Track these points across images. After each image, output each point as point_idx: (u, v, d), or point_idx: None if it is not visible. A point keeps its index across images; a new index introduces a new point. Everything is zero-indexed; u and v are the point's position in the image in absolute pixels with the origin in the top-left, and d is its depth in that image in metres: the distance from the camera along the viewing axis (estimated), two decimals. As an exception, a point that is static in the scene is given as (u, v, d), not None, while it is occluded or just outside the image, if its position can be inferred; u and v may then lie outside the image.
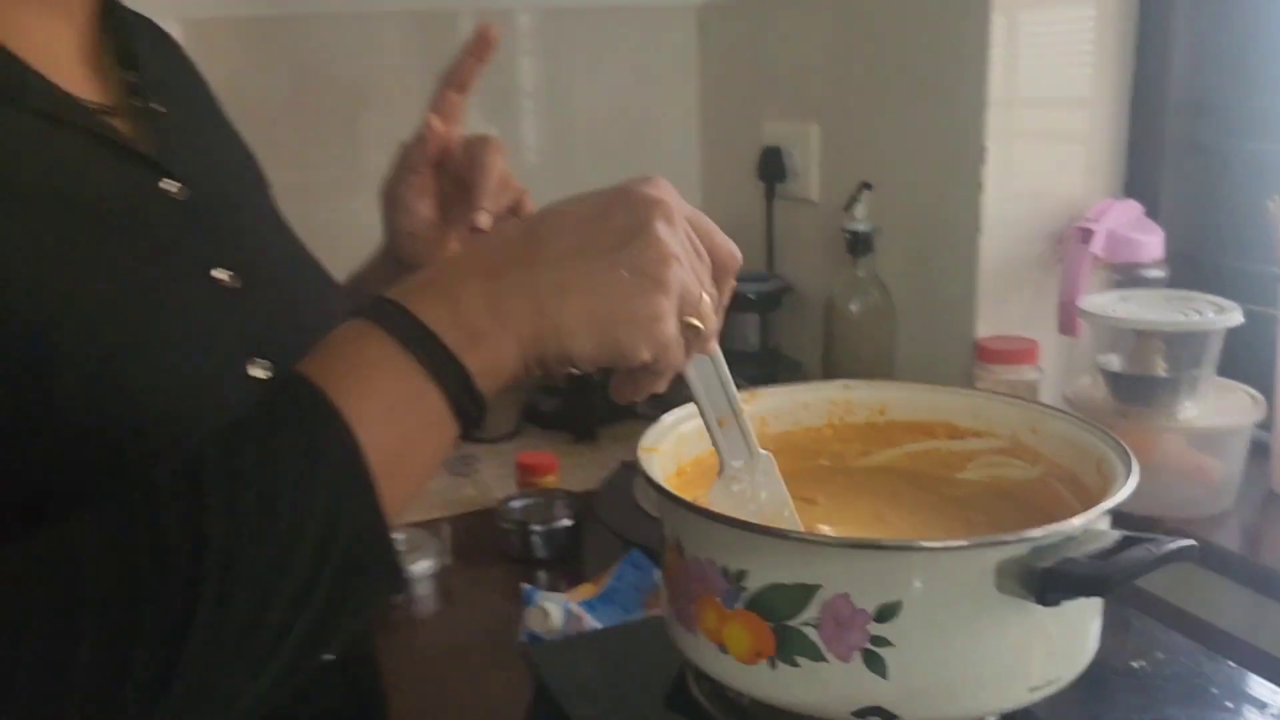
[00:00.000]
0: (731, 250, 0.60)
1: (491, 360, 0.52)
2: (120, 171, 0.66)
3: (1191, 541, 0.60)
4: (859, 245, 1.38)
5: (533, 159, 1.76)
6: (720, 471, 0.70)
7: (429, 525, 1.26)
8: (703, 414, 0.68)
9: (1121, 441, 0.74)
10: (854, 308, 1.40)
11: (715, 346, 0.65)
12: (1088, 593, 0.61)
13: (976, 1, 1.25)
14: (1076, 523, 0.63)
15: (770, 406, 0.87)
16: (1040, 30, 1.29)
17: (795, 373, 1.62)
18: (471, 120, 1.65)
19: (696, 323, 0.57)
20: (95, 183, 0.64)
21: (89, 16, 0.70)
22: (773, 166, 1.62)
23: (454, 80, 0.82)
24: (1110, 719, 0.73)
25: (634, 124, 1.79)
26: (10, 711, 0.43)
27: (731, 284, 0.62)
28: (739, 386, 0.71)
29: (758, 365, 1.61)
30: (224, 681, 0.46)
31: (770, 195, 1.64)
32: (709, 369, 0.67)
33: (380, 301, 0.52)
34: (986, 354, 1.26)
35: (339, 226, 1.62)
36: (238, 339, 0.67)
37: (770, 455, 0.71)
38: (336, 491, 0.48)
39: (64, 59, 0.67)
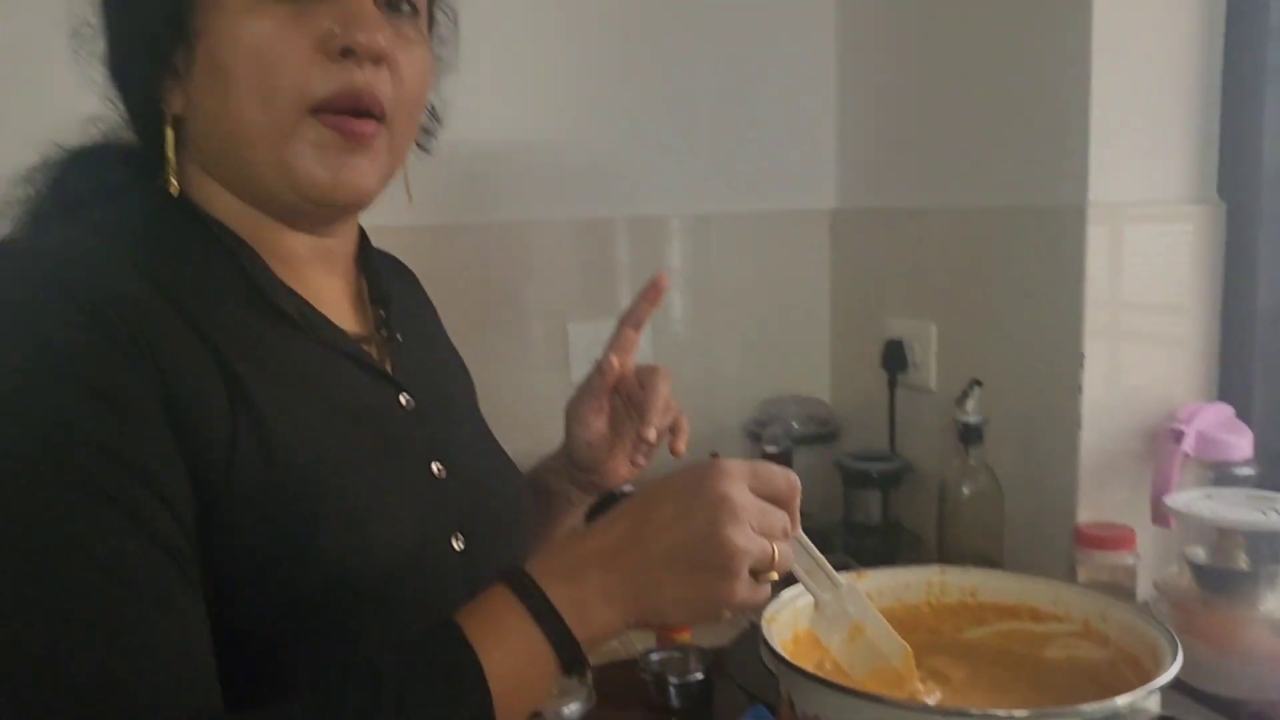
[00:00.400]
0: (791, 483, 0.78)
1: (599, 633, 0.73)
2: (371, 386, 0.87)
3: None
4: (970, 435, 1.52)
5: (680, 333, 1.95)
6: (815, 607, 0.89)
7: (577, 673, 1.42)
8: (796, 572, 0.87)
9: (1171, 631, 0.87)
10: (965, 491, 1.53)
11: (798, 531, 0.82)
12: (1122, 760, 0.74)
13: (1074, 222, 1.42)
14: (1121, 701, 0.76)
15: (875, 585, 1.02)
16: (1140, 242, 1.44)
17: (914, 546, 1.74)
18: (626, 294, 1.87)
19: (769, 575, 0.76)
20: (354, 394, 0.85)
21: (352, 266, 0.93)
22: (895, 358, 1.78)
23: (631, 320, 1.03)
24: None
25: (771, 313, 1.97)
26: None
27: (797, 503, 0.79)
28: (861, 562, 0.88)
29: (880, 538, 1.74)
30: None
31: (892, 383, 1.80)
32: (796, 545, 0.85)
33: (524, 577, 0.71)
34: (1086, 539, 1.38)
35: (509, 402, 1.85)
36: (444, 518, 0.86)
37: (853, 581, 0.89)
38: None
39: (336, 301, 0.89)
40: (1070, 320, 1.43)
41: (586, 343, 1.88)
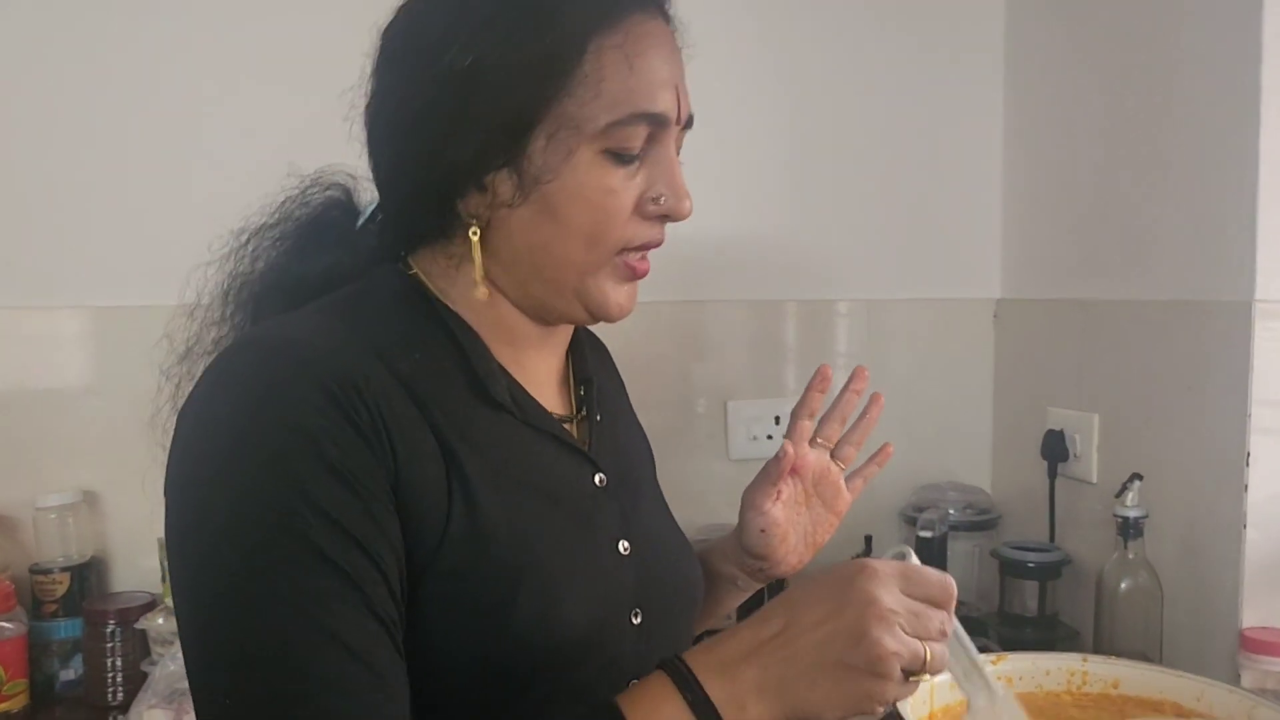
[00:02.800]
0: (945, 585, 0.77)
1: None
2: (570, 465, 0.92)
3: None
4: (1129, 529, 1.50)
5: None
6: (969, 708, 0.89)
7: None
8: (951, 670, 0.87)
9: (1317, 734, 0.86)
10: (1123, 586, 1.51)
11: (956, 625, 0.83)
12: None
13: (1239, 318, 1.40)
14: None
15: (1015, 669, 1.03)
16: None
17: (1072, 640, 1.71)
18: (790, 383, 1.91)
19: (923, 676, 0.76)
20: (554, 474, 0.90)
21: (563, 349, 0.99)
22: (1055, 448, 1.77)
23: (804, 410, 1.07)
24: None
25: (933, 399, 1.99)
26: None
27: (953, 605, 0.78)
28: (985, 648, 0.89)
29: (1036, 629, 1.72)
30: None
31: (1053, 474, 1.78)
32: (954, 643, 0.86)
33: (683, 669, 0.74)
34: (1251, 644, 1.34)
35: (671, 475, 1.91)
36: (627, 594, 0.90)
37: (1008, 687, 0.89)
38: None
39: (545, 381, 0.95)
40: (1236, 417, 1.41)
41: (745, 419, 1.93)
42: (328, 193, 0.95)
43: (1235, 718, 0.95)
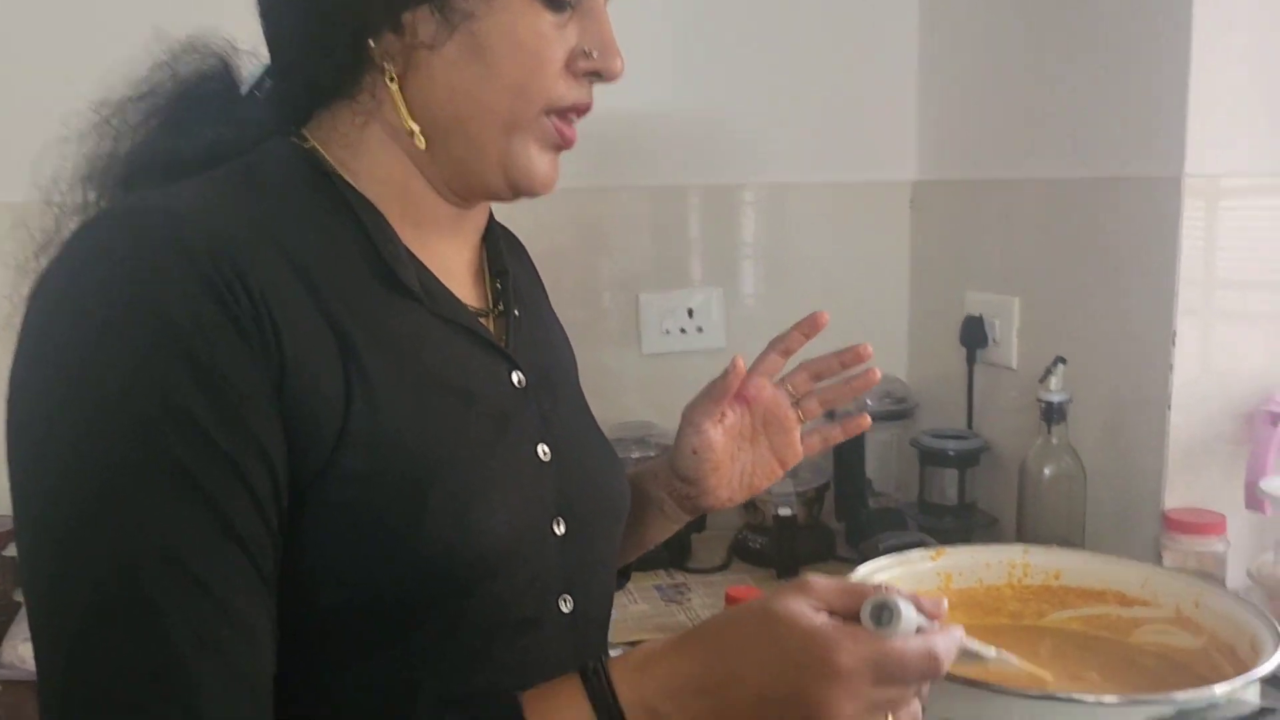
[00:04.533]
0: (929, 668, 0.66)
1: None
2: (486, 363, 0.83)
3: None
4: (1053, 414, 1.47)
5: (750, 307, 1.92)
6: None
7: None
8: None
9: (1271, 617, 0.82)
10: (1047, 472, 1.49)
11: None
12: (1221, 752, 0.70)
13: (1169, 195, 1.36)
14: (1219, 690, 0.73)
15: (956, 564, 0.99)
16: (1237, 215, 1.38)
17: (991, 528, 1.70)
18: (697, 273, 1.85)
19: None
20: (468, 371, 0.81)
21: (478, 237, 0.90)
22: (974, 334, 1.73)
23: (778, 344, 0.99)
24: None
25: (847, 287, 1.93)
26: None
27: (940, 674, 0.67)
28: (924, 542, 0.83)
29: (955, 518, 1.70)
30: None
31: (971, 360, 1.75)
32: None
33: (607, 697, 0.67)
34: (1174, 525, 1.33)
35: (610, 372, 1.84)
36: (548, 502, 0.83)
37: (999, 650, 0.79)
38: None
39: (458, 272, 0.86)
40: (1163, 296, 1.38)
41: (656, 312, 1.86)
42: (203, 62, 0.83)
43: (1180, 604, 0.92)
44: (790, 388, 1.00)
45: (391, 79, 0.76)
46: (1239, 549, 1.34)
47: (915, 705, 0.67)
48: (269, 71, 0.83)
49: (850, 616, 0.65)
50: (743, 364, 0.95)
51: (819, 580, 0.68)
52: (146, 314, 0.64)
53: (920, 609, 0.65)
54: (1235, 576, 1.33)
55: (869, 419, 1.01)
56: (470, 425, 0.78)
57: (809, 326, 0.98)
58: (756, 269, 1.91)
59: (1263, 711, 0.71)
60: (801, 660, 0.65)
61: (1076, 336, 1.54)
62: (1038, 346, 1.62)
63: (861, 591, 0.66)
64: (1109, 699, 0.72)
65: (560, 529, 0.82)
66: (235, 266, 0.67)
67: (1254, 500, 1.31)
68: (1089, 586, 0.97)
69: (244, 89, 0.84)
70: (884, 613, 0.64)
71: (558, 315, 1.02)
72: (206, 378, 0.64)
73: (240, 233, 0.69)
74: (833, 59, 1.89)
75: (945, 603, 0.68)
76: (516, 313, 0.88)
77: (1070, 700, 0.73)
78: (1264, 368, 1.40)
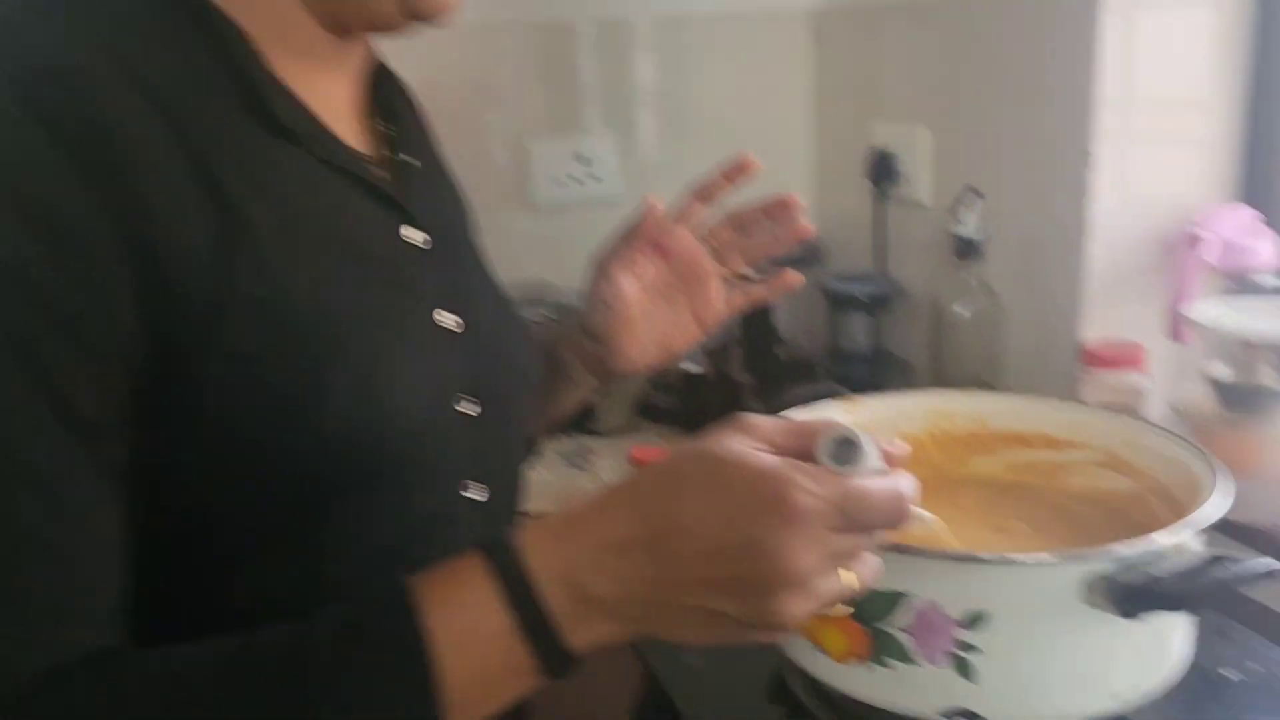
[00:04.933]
0: (894, 511, 0.56)
1: (597, 641, 0.57)
2: (379, 217, 0.71)
3: (1275, 565, 0.63)
4: (967, 251, 1.39)
5: (649, 155, 1.80)
6: None
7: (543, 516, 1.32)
8: None
9: (1211, 456, 0.76)
10: (961, 311, 1.42)
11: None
12: (1169, 608, 0.64)
13: (1084, 8, 1.26)
14: (1162, 540, 0.66)
15: (871, 414, 0.91)
16: (1155, 32, 1.29)
17: (904, 374, 1.64)
18: (592, 119, 1.72)
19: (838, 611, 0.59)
20: (359, 226, 0.70)
21: (363, 75, 0.77)
22: (883, 169, 1.63)
23: (699, 191, 0.88)
24: (1194, 729, 0.75)
25: (748, 125, 1.82)
26: None
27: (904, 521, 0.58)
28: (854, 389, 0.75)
29: (867, 366, 1.64)
30: None
31: (881, 197, 1.66)
32: None
33: (518, 576, 0.55)
34: (1093, 359, 1.27)
35: (498, 229, 1.71)
36: (454, 377, 0.72)
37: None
38: None
39: (342, 112, 0.73)
40: (1077, 119, 1.29)
41: (545, 160, 1.73)
42: None
43: (1111, 445, 0.86)
44: (712, 241, 0.89)
45: None
46: (1160, 382, 1.29)
47: (874, 559, 0.58)
48: None
49: (798, 456, 0.55)
50: (658, 204, 0.84)
51: (758, 418, 0.57)
52: None
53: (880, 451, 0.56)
54: (1154, 410, 1.28)
55: (800, 277, 0.92)
56: (368, 289, 0.67)
57: (734, 171, 0.88)
58: (653, 110, 1.79)
59: (1212, 561, 0.64)
60: (753, 503, 0.53)
61: (990, 167, 1.45)
62: (950, 180, 1.53)
63: (808, 429, 0.56)
64: (1043, 558, 0.65)
65: (469, 409, 0.72)
66: (75, 95, 0.55)
67: (1175, 329, 1.25)
68: (1014, 430, 0.90)
69: None
70: (846, 449, 0.54)
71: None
72: (43, 227, 0.53)
73: (81, 57, 0.57)
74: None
75: (905, 445, 0.58)
76: (410, 160, 0.76)
77: (1003, 563, 0.65)
78: (1186, 192, 1.33)
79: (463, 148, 1.66)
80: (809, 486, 0.53)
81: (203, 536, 0.61)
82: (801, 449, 0.55)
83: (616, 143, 1.77)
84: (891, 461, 0.57)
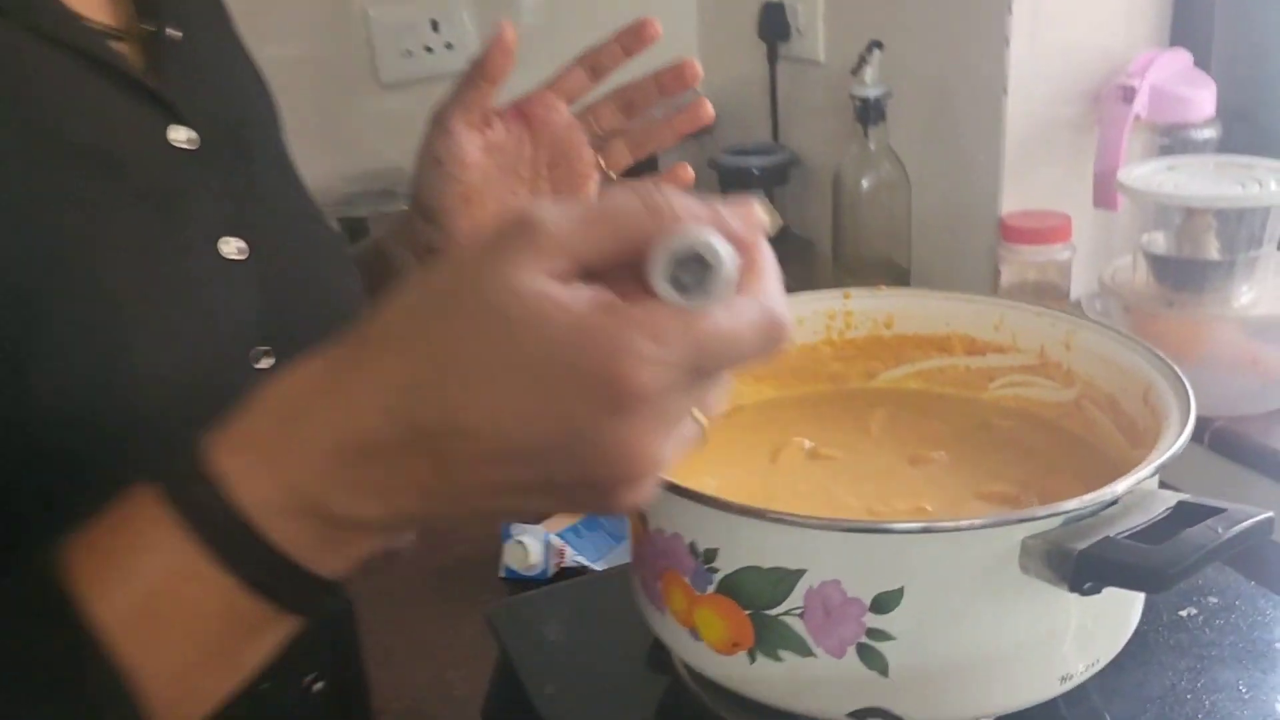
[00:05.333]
0: (769, 338, 0.38)
1: (359, 559, 0.42)
2: (125, 110, 0.54)
3: (1268, 514, 0.49)
4: (869, 113, 1.24)
5: (528, 20, 1.60)
6: None
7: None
8: None
9: (1173, 364, 0.61)
10: (865, 182, 1.27)
11: None
12: (1133, 586, 0.50)
13: None
14: (1119, 488, 0.51)
15: (758, 323, 0.75)
16: None
17: (806, 252, 1.50)
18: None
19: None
20: (93, 121, 0.53)
21: None
22: (775, 24, 1.46)
23: (589, 60, 0.71)
24: (1150, 690, 0.62)
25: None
26: None
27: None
28: None
29: (764, 246, 1.49)
30: None
31: (773, 57, 1.49)
32: None
33: (217, 519, 0.39)
34: (1012, 233, 1.13)
35: (343, 114, 1.52)
36: (244, 323, 0.56)
37: None
38: None
39: None
40: (994, -44, 1.12)
41: (393, 30, 1.52)
42: None
43: (1047, 346, 0.71)
44: (593, 122, 0.73)
45: None
46: (1085, 256, 1.15)
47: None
48: None
49: (615, 267, 0.37)
50: (512, 35, 0.66)
51: (553, 220, 0.37)
52: None
53: (728, 236, 0.37)
54: (1080, 288, 1.15)
55: (691, 172, 0.77)
56: (110, 208, 0.52)
57: (631, 38, 0.70)
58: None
59: (1182, 513, 0.50)
60: (568, 391, 0.36)
61: (892, 16, 1.29)
62: (848, 33, 1.36)
63: (619, 218, 0.37)
64: (971, 523, 0.50)
65: (265, 361, 0.56)
66: None
67: (1104, 196, 1.11)
68: (929, 333, 0.75)
69: None
70: (693, 268, 0.36)
71: (264, 51, 0.70)
72: None
73: None
74: None
75: (755, 206, 0.40)
76: (173, 32, 0.59)
77: (922, 531, 0.50)
78: (1113, 37, 1.18)
79: (288, 19, 1.47)
80: (649, 352, 0.35)
81: None
82: (623, 255, 0.37)
83: (475, 6, 1.56)
84: (744, 246, 0.38)
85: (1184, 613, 0.68)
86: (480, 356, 0.36)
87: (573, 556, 0.95)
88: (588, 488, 0.39)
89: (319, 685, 0.64)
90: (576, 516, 0.98)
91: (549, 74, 0.72)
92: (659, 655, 0.66)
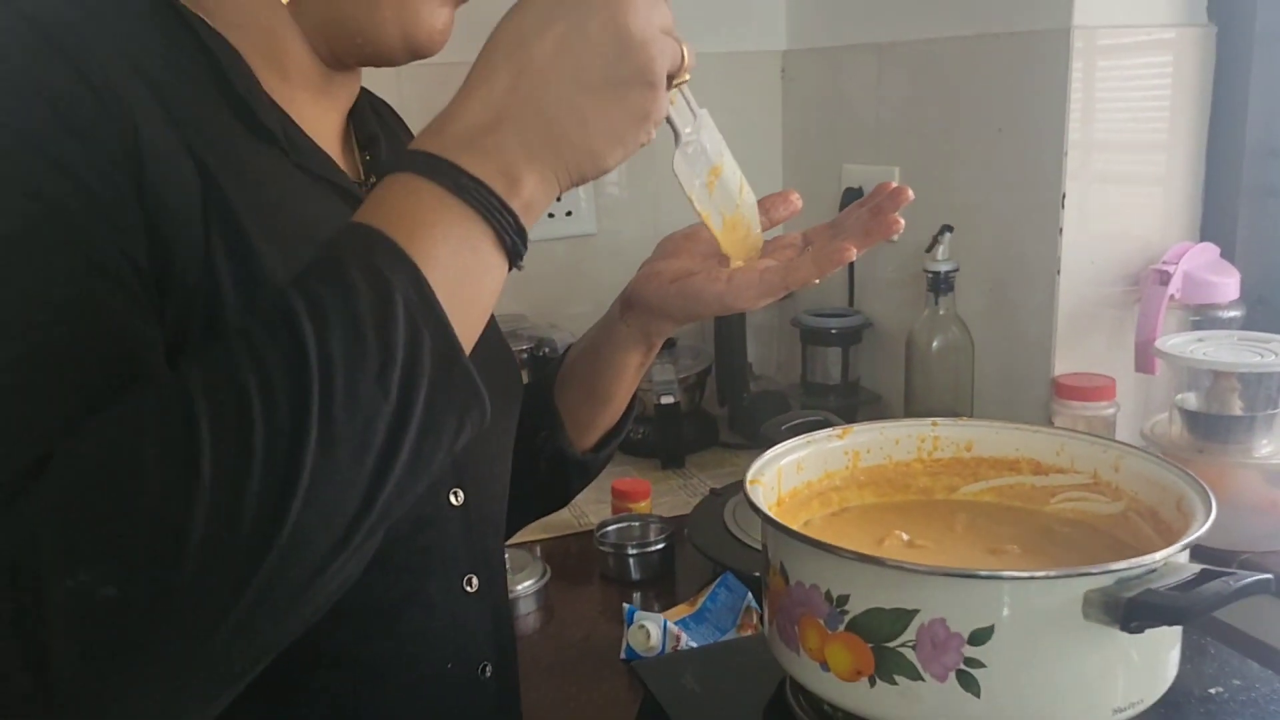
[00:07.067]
0: None
1: (533, 198, 0.58)
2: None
3: (1268, 575, 0.65)
4: (940, 284, 1.43)
5: (618, 192, 1.82)
6: (676, 143, 0.76)
7: (527, 547, 1.33)
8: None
9: (1200, 480, 0.78)
10: (934, 344, 1.45)
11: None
12: (1169, 622, 0.66)
13: (1056, 49, 1.30)
14: (1158, 556, 0.68)
15: (864, 441, 0.93)
16: (1118, 76, 1.33)
17: (876, 406, 1.67)
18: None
19: (683, 76, 0.65)
20: (331, 225, 0.71)
21: (348, 106, 0.79)
22: (854, 206, 1.67)
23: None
24: (1186, 746, 0.77)
25: (718, 163, 1.85)
26: (138, 525, 0.47)
27: None
28: (827, 422, 0.77)
29: (840, 397, 1.66)
30: (335, 507, 0.50)
31: (851, 233, 1.69)
32: None
33: (426, 157, 0.57)
34: (1064, 390, 1.31)
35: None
36: (443, 466, 0.72)
37: (705, 111, 0.77)
38: (413, 323, 0.52)
39: (326, 137, 0.75)
40: (1050, 158, 1.33)
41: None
42: None
43: (1099, 470, 0.88)
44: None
45: None
46: (1127, 412, 1.33)
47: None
48: None
49: None
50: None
51: None
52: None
53: None
54: (1124, 438, 1.31)
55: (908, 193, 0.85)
56: None
57: (782, 207, 0.88)
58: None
59: (1205, 575, 0.66)
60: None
61: (959, 204, 1.49)
62: (919, 216, 1.56)
63: None
64: (1047, 573, 0.67)
65: (456, 498, 0.75)
66: (86, 47, 0.57)
67: (1144, 361, 1.29)
68: (1002, 456, 0.92)
69: None
70: None
71: None
72: (66, 127, 0.55)
73: (85, 28, 0.59)
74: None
75: None
76: None
77: (1009, 579, 0.67)
78: (1151, 230, 1.38)
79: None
80: None
81: None
82: None
83: (591, 185, 1.79)
84: None
85: (1213, 690, 0.83)
86: (530, 5, 0.60)
87: (686, 641, 1.10)
88: (629, 81, 0.59)
89: (489, 672, 0.80)
90: (694, 606, 1.14)
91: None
92: (780, 702, 0.82)
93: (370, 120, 0.81)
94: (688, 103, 0.75)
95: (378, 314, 0.52)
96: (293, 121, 0.70)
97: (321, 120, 0.75)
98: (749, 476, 0.82)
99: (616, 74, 0.59)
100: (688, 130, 0.75)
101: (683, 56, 0.64)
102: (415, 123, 0.93)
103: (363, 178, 0.79)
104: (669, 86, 0.63)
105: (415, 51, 0.72)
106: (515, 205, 0.57)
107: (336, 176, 0.72)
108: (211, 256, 0.60)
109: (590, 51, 0.59)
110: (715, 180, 0.78)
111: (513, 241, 0.58)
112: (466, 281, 0.56)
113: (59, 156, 0.54)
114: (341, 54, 0.72)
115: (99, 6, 0.62)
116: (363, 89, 0.81)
